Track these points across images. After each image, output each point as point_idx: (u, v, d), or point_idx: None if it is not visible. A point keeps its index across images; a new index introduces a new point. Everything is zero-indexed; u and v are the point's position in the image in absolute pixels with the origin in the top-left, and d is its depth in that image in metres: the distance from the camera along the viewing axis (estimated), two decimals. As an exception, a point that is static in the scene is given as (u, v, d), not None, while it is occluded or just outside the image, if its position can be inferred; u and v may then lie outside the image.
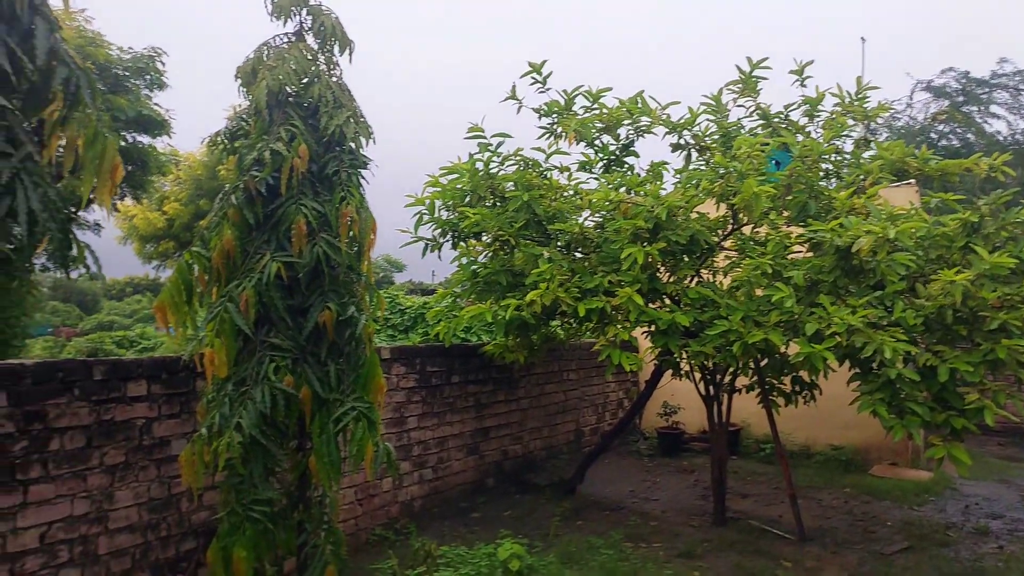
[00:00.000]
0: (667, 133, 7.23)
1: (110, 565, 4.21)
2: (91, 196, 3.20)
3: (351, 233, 4.43)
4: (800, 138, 6.78)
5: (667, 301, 6.54)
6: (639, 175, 7.29)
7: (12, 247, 3.02)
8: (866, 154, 7.29)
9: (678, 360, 6.71)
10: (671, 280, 6.44)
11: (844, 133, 7.05)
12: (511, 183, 6.92)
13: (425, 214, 7.10)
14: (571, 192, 7.15)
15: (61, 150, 3.12)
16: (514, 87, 7.25)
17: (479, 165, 7.03)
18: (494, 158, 7.07)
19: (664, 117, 7.19)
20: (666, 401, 9.83)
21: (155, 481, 4.50)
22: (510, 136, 7.10)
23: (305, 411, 4.14)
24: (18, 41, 2.79)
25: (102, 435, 4.26)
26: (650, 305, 6.23)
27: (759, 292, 5.91)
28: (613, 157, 7.59)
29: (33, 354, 15.66)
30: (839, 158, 7.01)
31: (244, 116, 4.80)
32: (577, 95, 7.39)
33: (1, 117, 2.70)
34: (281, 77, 4.50)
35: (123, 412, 4.39)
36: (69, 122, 3.05)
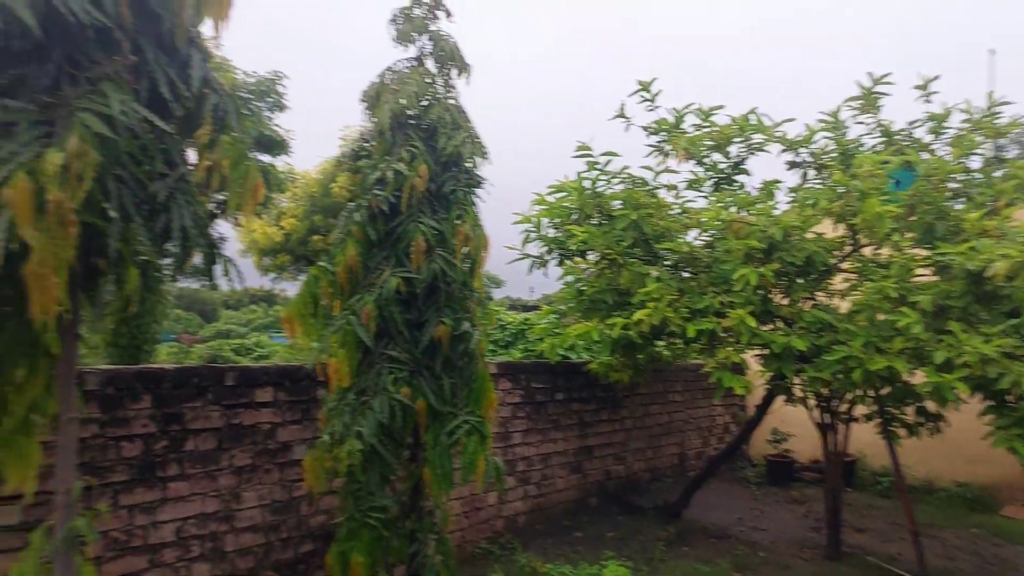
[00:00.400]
0: (783, 151, 7.04)
1: (236, 562, 4.45)
2: (231, 212, 3.44)
3: (465, 250, 4.57)
4: (925, 156, 6.46)
5: (780, 324, 6.34)
6: (750, 194, 7.13)
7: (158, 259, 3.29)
8: (997, 173, 6.85)
9: (790, 385, 6.50)
10: (785, 302, 6.23)
11: (973, 151, 6.65)
12: (619, 201, 6.90)
13: (532, 232, 7.18)
14: (679, 211, 7.07)
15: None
16: (623, 106, 7.26)
17: (586, 183, 7.06)
18: (601, 176, 7.08)
19: (779, 134, 7.00)
20: (776, 428, 9.50)
21: (277, 484, 4.73)
22: (618, 155, 7.11)
23: (420, 423, 4.26)
24: (176, 70, 3.04)
25: (231, 438, 4.52)
26: (762, 327, 6.06)
27: (881, 317, 5.64)
28: (723, 175, 7.45)
29: (159, 359, 16.73)
30: (968, 177, 6.62)
31: (367, 137, 5.02)
32: (687, 113, 7.32)
33: (160, 140, 2.94)
34: (403, 100, 4.69)
35: (251, 417, 4.64)
36: (217, 145, 3.29)
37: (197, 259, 3.25)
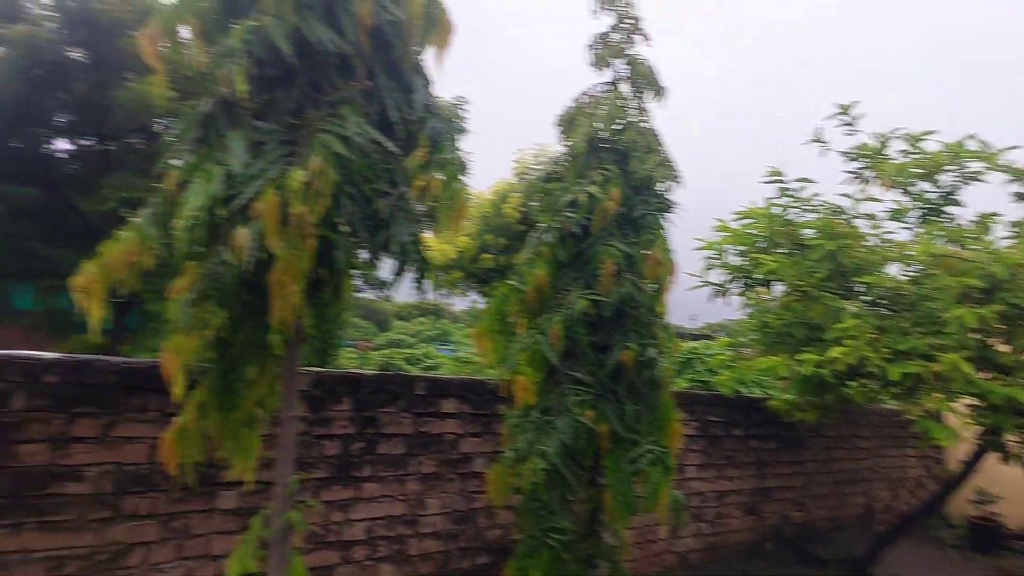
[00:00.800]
0: (1010, 180, 6.36)
1: (418, 567, 4.61)
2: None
3: (654, 275, 4.50)
4: None
5: (997, 372, 5.70)
6: (962, 226, 6.50)
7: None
8: None
9: (1006, 442, 5.83)
10: (1006, 348, 5.60)
11: None
12: (812, 230, 6.54)
13: (714, 259, 6.97)
14: (878, 242, 6.58)
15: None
16: (820, 130, 6.89)
17: (776, 210, 6.77)
18: (793, 203, 6.76)
19: (1004, 163, 6.34)
20: (981, 487, 8.53)
21: (458, 494, 4.86)
22: (813, 181, 6.76)
23: (601, 447, 4.21)
24: (402, 95, 3.24)
25: (419, 445, 4.71)
26: (977, 374, 5.47)
27: None
28: (932, 206, 6.85)
29: (341, 364, 17.86)
30: None
31: (558, 160, 5.09)
32: (892, 138, 6.82)
33: (385, 160, 3.13)
34: (596, 124, 4.73)
35: (437, 426, 4.81)
36: (430, 167, 3.45)
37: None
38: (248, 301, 3.09)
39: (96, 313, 2.82)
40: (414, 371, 20.05)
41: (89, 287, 2.84)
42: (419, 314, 48.92)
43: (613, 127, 4.77)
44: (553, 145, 17.49)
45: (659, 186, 4.73)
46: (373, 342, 36.75)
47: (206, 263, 2.94)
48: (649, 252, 4.49)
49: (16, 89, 10.84)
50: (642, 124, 4.84)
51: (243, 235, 2.71)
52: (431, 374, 8.36)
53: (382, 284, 4.23)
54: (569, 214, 4.50)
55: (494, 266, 18.58)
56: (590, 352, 4.35)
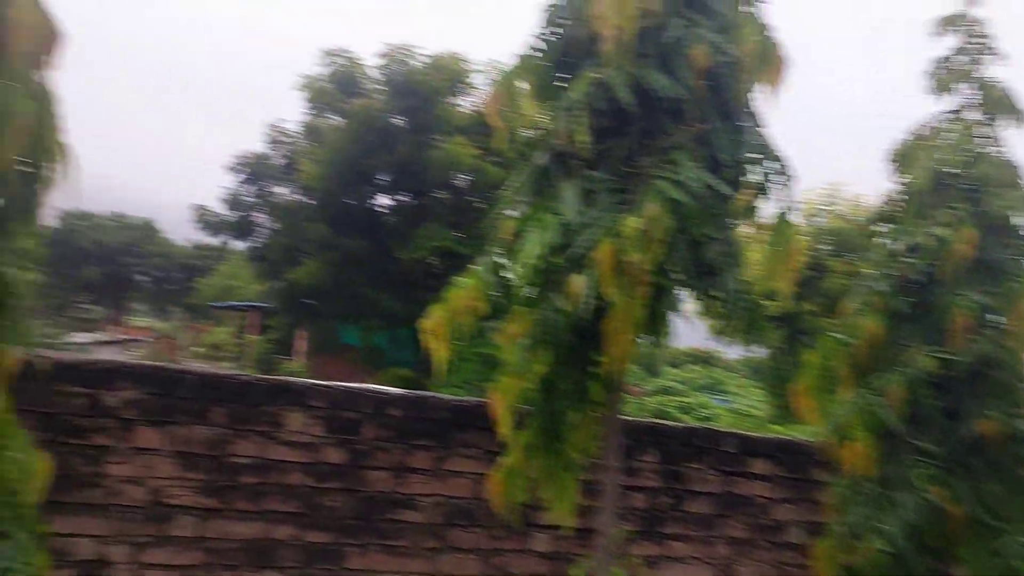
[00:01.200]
0: None
1: (727, 639, 4.29)
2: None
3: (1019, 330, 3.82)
4: None
5: None
6: None
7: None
8: None
9: None
10: None
11: None
12: None
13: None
14: None
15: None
16: None
17: None
18: None
19: None
20: None
21: (772, 565, 4.47)
22: None
23: (952, 531, 3.61)
24: (732, 136, 3.10)
25: (727, 506, 4.42)
26: None
27: None
28: None
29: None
30: None
31: (891, 199, 4.61)
32: None
33: (716, 205, 3.00)
34: (939, 157, 4.19)
35: (746, 487, 4.49)
36: (755, 210, 3.26)
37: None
38: (574, 347, 3.12)
39: (442, 354, 3.03)
40: (688, 420, 19.43)
41: (437, 330, 3.06)
42: (690, 361, 47.68)
43: (960, 160, 4.21)
44: (846, 184, 16.14)
45: (1021, 226, 4.06)
46: (644, 388, 36.37)
47: (539, 309, 3.03)
48: (1018, 303, 3.83)
49: (350, 153, 12.63)
50: (996, 155, 4.22)
51: (579, 282, 2.74)
52: (714, 426, 7.98)
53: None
54: (908, 259, 4.00)
55: (779, 314, 17.52)
56: (938, 418, 3.78)
